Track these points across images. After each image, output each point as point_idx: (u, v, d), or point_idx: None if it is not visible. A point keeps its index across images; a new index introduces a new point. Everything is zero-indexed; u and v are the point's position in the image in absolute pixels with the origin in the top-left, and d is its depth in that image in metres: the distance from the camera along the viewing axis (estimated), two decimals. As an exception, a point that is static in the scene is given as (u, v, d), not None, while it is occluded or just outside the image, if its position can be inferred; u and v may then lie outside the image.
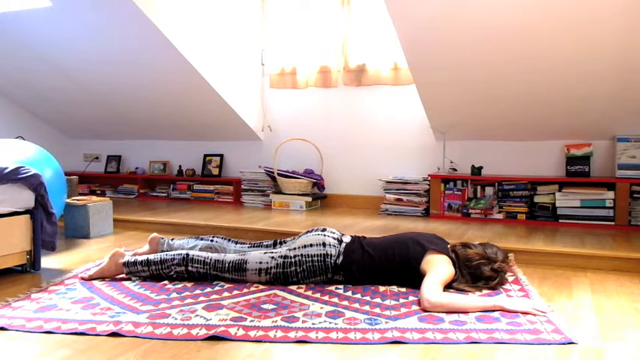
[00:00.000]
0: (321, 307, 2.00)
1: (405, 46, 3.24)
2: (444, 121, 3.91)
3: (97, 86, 4.68)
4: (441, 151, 4.13)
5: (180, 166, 5.18)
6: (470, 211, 3.79)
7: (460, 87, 3.50)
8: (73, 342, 1.70)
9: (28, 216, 2.57)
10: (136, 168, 5.35)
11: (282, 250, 2.33)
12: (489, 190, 3.85)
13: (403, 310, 1.97)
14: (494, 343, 1.68)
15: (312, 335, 1.73)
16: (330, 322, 1.84)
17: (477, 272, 2.21)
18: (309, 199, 4.30)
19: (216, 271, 2.33)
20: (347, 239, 2.41)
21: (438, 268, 2.13)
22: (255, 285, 2.29)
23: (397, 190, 4.06)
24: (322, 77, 4.47)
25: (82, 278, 2.43)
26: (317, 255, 2.28)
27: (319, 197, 4.47)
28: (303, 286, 2.28)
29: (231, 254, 2.39)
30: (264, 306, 2.02)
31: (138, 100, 4.72)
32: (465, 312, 1.93)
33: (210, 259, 2.35)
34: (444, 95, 3.62)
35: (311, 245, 2.30)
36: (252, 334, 1.74)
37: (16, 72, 4.76)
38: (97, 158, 5.71)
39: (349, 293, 2.17)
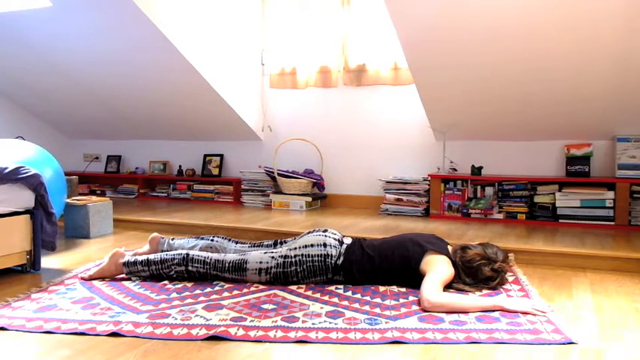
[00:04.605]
0: (321, 307, 2.00)
1: (405, 46, 3.24)
2: (444, 121, 3.92)
3: (97, 86, 4.68)
4: (441, 151, 4.13)
5: (180, 166, 5.18)
6: (470, 211, 3.79)
7: (460, 87, 3.50)
8: (73, 342, 1.70)
9: (28, 216, 2.57)
10: (136, 168, 5.35)
11: (282, 250, 2.33)
12: (489, 190, 3.85)
13: (403, 310, 1.97)
14: (494, 343, 1.68)
15: (312, 335, 1.73)
16: (330, 322, 1.84)
17: (478, 273, 2.20)
18: (309, 199, 4.30)
19: (217, 271, 2.33)
20: (348, 241, 2.41)
21: (437, 268, 2.13)
22: (255, 285, 2.29)
23: (397, 190, 4.06)
24: (322, 77, 4.47)
25: (82, 278, 2.43)
26: (317, 255, 2.28)
27: (319, 197, 4.47)
28: (303, 286, 2.28)
29: (231, 254, 2.39)
30: (264, 306, 2.02)
31: (138, 100, 4.72)
32: (465, 312, 1.93)
33: (211, 259, 2.35)
34: (444, 95, 3.62)
35: (312, 245, 2.30)
36: (252, 334, 1.74)
37: (16, 72, 4.76)
38: (97, 158, 5.71)
39: (349, 293, 2.17)
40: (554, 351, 1.62)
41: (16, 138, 4.77)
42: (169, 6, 3.78)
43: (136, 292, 2.20)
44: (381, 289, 2.23)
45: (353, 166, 4.51)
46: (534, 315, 1.90)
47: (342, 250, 2.32)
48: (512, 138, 3.95)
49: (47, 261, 2.79)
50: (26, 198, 2.55)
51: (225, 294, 2.17)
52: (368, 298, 2.11)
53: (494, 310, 1.95)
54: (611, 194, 3.44)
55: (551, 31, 2.92)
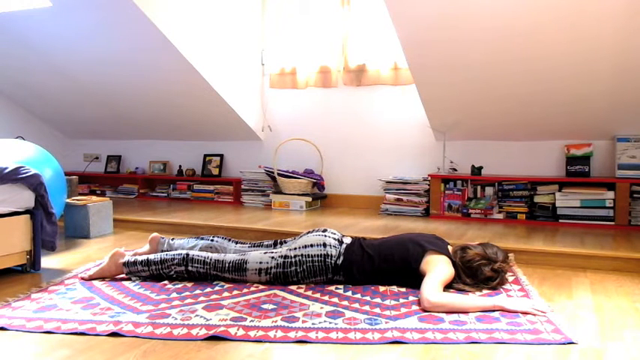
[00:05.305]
0: (321, 307, 2.00)
1: (405, 46, 3.24)
2: (444, 121, 3.91)
3: (96, 86, 4.68)
4: (441, 151, 4.13)
5: (180, 166, 5.18)
6: (470, 211, 3.79)
7: (460, 87, 3.50)
8: (73, 342, 1.70)
9: (28, 216, 2.57)
10: (136, 168, 5.35)
11: (282, 250, 2.33)
12: (489, 190, 3.85)
13: (403, 310, 1.97)
14: (494, 343, 1.68)
15: (312, 335, 1.73)
16: (330, 322, 1.84)
17: (478, 273, 2.20)
18: (309, 199, 4.30)
19: (216, 271, 2.33)
20: (347, 240, 2.41)
21: (437, 268, 2.13)
22: (255, 285, 2.29)
23: (397, 190, 4.06)
24: (322, 77, 4.47)
25: (82, 278, 2.43)
26: (317, 255, 2.28)
27: (319, 197, 4.47)
28: (303, 286, 2.28)
29: (231, 254, 2.39)
30: (264, 306, 2.02)
31: (138, 100, 4.72)
32: (465, 312, 1.93)
33: (210, 259, 2.35)
34: (444, 95, 3.62)
35: (311, 245, 2.30)
36: (252, 334, 1.74)
37: (16, 72, 4.76)
38: (97, 158, 5.71)
39: (349, 293, 2.17)
40: (554, 351, 1.62)
41: (16, 138, 4.77)
42: (169, 6, 3.78)
43: (136, 292, 2.20)
44: (381, 289, 2.23)
45: (353, 166, 4.51)
46: (534, 315, 1.90)
47: (342, 250, 2.32)
48: (512, 138, 3.95)
49: (47, 261, 2.79)
50: (26, 198, 2.55)
51: (225, 294, 2.17)
52: (368, 298, 2.11)
53: (494, 310, 1.95)
54: (611, 194, 3.44)
55: (551, 31, 2.92)
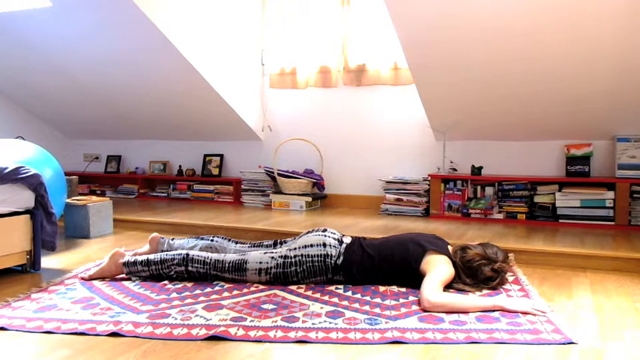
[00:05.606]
0: (321, 307, 2.00)
1: (405, 46, 3.24)
2: (444, 121, 3.91)
3: (96, 86, 4.68)
4: (441, 151, 4.13)
5: (180, 166, 5.18)
6: (470, 211, 3.79)
7: (460, 87, 3.50)
8: (73, 342, 1.70)
9: (28, 216, 2.57)
10: (136, 168, 5.35)
11: (282, 250, 2.33)
12: (489, 190, 3.85)
13: (403, 310, 1.97)
14: (494, 343, 1.68)
15: (312, 335, 1.73)
16: (330, 322, 1.84)
17: (478, 273, 2.20)
18: (309, 199, 4.30)
19: (216, 271, 2.33)
20: (347, 240, 2.41)
21: (437, 268, 2.13)
22: (255, 285, 2.29)
23: (397, 190, 4.06)
24: (322, 77, 4.47)
25: (82, 278, 2.43)
26: (317, 255, 2.28)
27: (319, 197, 4.47)
28: (303, 286, 2.28)
29: (231, 254, 2.39)
30: (264, 306, 2.02)
31: (138, 100, 4.72)
32: (465, 312, 1.93)
33: (210, 259, 2.35)
34: (444, 95, 3.62)
35: (311, 245, 2.30)
36: (252, 334, 1.74)
37: (16, 72, 4.76)
38: (97, 158, 5.71)
39: (349, 293, 2.17)
40: (554, 351, 1.62)
41: (16, 138, 4.77)
42: (169, 6, 3.78)
43: (136, 292, 2.20)
44: (381, 289, 2.23)
45: (353, 166, 4.51)
46: (534, 315, 1.90)
47: (342, 250, 2.32)
48: (512, 138, 3.95)
49: (47, 261, 2.79)
50: (26, 198, 2.55)
51: (225, 294, 2.17)
52: (368, 298, 2.11)
53: (494, 310, 1.95)
54: (611, 194, 3.44)
55: (551, 31, 2.92)
